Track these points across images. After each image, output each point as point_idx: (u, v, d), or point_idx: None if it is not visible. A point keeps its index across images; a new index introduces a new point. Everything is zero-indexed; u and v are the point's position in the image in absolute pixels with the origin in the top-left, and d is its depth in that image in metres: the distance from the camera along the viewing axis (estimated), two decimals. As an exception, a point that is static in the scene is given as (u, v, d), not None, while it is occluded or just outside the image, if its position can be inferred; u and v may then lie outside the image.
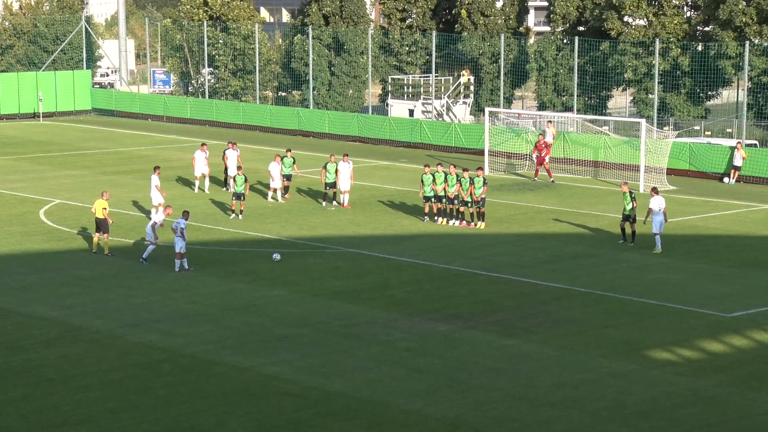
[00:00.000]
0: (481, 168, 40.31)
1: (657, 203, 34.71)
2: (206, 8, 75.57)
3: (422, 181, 39.00)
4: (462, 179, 38.00)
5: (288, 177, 43.39)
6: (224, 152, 45.07)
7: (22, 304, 28.81)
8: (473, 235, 37.21)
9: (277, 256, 33.40)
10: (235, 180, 40.25)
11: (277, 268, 32.69)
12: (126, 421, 20.76)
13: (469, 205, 38.09)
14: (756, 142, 53.35)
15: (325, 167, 41.76)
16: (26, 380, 23.02)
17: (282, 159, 43.07)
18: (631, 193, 35.20)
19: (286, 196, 43.18)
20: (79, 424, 20.68)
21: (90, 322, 27.22)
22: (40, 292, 30.05)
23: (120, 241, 36.30)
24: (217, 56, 74.30)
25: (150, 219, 34.81)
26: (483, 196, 37.96)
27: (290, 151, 44.48)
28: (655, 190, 35.68)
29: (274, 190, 42.92)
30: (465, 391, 22.40)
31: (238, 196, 39.45)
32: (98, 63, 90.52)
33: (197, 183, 45.21)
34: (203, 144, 45.86)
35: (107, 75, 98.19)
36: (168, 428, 20.45)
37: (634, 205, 35.14)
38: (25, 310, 28.23)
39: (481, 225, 38.01)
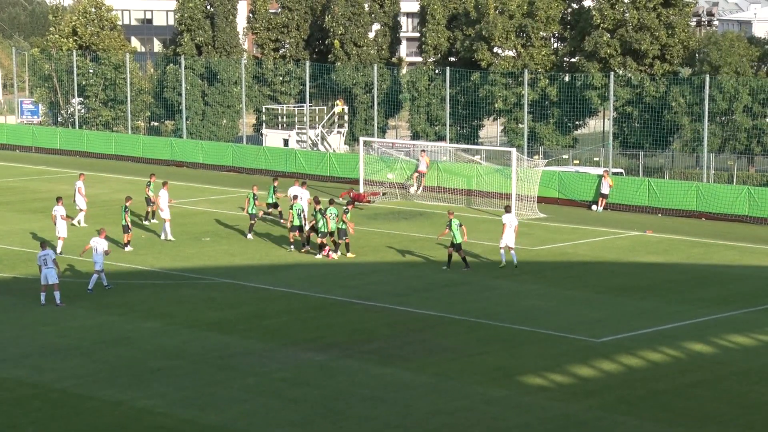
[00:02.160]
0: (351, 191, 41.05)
1: (508, 220, 36.84)
2: (75, 38, 74.33)
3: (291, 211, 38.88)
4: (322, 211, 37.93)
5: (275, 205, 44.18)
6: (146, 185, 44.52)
7: None
8: (349, 264, 37.26)
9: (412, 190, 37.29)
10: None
11: (150, 300, 32.20)
12: (-6, 460, 20.15)
13: (329, 235, 37.94)
14: (622, 170, 54.71)
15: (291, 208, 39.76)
16: None
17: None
18: (459, 221, 36.08)
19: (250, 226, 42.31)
20: (-56, 464, 19.99)
21: (-45, 358, 26.36)
22: None
23: (-13, 274, 35.31)
24: (87, 86, 73.11)
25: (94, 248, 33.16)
26: (339, 227, 37.86)
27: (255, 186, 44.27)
28: (507, 208, 38.27)
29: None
30: (342, 420, 22.36)
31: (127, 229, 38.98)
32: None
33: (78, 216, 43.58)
34: (81, 174, 45.07)
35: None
36: (38, 466, 19.91)
37: (463, 231, 36.10)
38: None
39: (350, 255, 38.00)
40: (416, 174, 52.00)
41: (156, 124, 74.76)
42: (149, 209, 44.21)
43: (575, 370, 25.81)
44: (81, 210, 43.62)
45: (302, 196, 41.49)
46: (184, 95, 68.30)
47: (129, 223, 39.03)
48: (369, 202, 48.37)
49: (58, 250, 37.35)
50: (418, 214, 47.74)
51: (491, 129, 71.88)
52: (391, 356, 26.74)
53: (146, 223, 43.82)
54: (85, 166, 62.37)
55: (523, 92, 57.72)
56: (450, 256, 36.28)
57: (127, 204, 39.35)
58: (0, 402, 23.32)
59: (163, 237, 40.70)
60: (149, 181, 44.39)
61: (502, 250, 36.62)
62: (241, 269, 36.30)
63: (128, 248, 38.85)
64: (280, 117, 67.92)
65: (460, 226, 36.14)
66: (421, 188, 51.15)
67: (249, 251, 38.94)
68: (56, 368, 25.55)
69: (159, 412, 22.71)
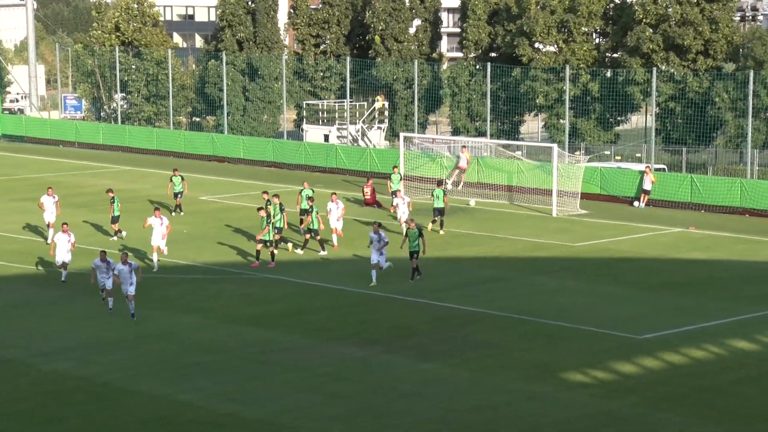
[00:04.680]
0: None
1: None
2: (118, 34, 74.86)
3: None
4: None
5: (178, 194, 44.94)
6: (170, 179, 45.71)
7: (-70, 333, 28.12)
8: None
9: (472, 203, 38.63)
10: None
11: (189, 295, 32.39)
12: (38, 451, 20.36)
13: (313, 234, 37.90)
14: (664, 166, 54.35)
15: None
16: (-66, 412, 22.45)
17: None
18: (419, 228, 33.89)
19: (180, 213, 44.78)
20: (-11, 455, 20.24)
21: (3, 351, 26.66)
22: (-52, 321, 29.38)
23: (31, 268, 35.68)
24: (129, 82, 73.62)
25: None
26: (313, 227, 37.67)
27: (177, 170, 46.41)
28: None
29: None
30: (382, 415, 22.38)
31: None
32: (7, 89, 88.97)
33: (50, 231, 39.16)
34: (49, 188, 40.60)
35: (17, 101, 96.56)
36: (81, 458, 20.10)
37: (422, 241, 33.64)
38: (-67, 340, 27.57)
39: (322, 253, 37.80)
40: (457, 170, 51.93)
41: (197, 119, 75.15)
42: (177, 201, 45.07)
43: (617, 366, 25.68)
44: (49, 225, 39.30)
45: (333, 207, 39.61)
46: (225, 91, 68.59)
47: (114, 216, 39.81)
48: (377, 206, 47.63)
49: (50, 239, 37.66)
50: (458, 209, 47.66)
51: (532, 125, 71.62)
52: (431, 352, 26.74)
53: (173, 214, 44.34)
54: (127, 161, 62.86)
55: (564, 88, 57.46)
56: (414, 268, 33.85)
57: (110, 195, 40.35)
58: (45, 394, 23.57)
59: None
60: (172, 176, 45.53)
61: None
62: (279, 265, 36.39)
63: (114, 237, 39.80)
64: (320, 112, 68.02)
65: (421, 235, 33.69)
66: (461, 184, 51.04)
67: (314, 248, 39.00)
68: (100, 362, 25.77)
69: (200, 406, 22.84)
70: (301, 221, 41.04)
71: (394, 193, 45.36)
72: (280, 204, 37.85)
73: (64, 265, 32.98)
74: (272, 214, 36.99)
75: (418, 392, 23.77)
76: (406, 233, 34.11)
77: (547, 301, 31.88)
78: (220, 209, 45.86)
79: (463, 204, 46.45)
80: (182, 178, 45.50)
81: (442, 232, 41.54)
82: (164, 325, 29.03)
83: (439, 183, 43.81)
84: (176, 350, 26.79)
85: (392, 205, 40.75)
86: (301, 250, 38.17)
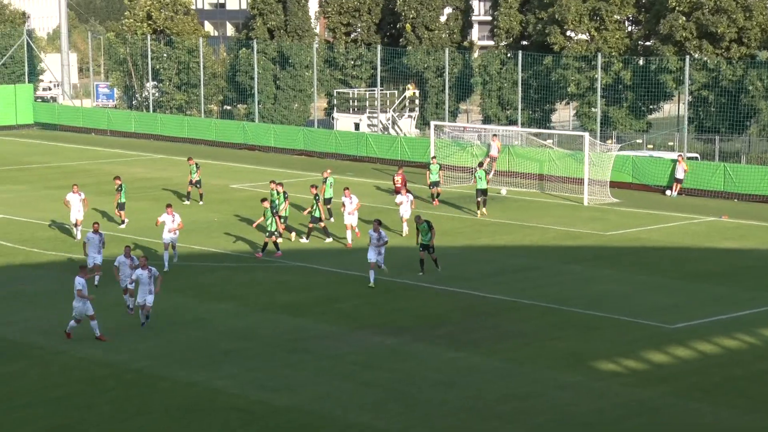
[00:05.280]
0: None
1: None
2: (150, 22, 75.07)
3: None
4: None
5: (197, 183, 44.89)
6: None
7: (-36, 320, 28.33)
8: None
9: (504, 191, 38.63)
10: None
11: (223, 283, 32.48)
12: (70, 438, 20.47)
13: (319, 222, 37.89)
14: (697, 155, 53.96)
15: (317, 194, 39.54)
16: (-32, 398, 22.63)
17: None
18: (427, 222, 33.23)
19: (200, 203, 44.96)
20: (23, 441, 20.36)
21: (32, 338, 26.83)
22: (-18, 308, 29.57)
23: (63, 255, 35.87)
24: (161, 70, 73.83)
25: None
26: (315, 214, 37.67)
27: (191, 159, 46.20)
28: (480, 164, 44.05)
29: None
30: (413, 404, 22.36)
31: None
32: (40, 77, 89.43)
33: (75, 230, 38.38)
34: (74, 185, 39.25)
35: (50, 89, 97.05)
36: (113, 445, 20.19)
37: (432, 234, 33.03)
38: (-33, 326, 27.77)
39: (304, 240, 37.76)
40: (488, 159, 51.77)
41: (228, 107, 75.30)
42: (199, 191, 45.21)
43: (649, 356, 25.53)
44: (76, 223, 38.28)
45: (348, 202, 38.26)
46: (256, 79, 68.66)
47: (120, 203, 39.89)
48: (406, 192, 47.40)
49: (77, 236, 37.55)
50: (489, 199, 47.47)
51: (563, 113, 71.30)
52: (462, 341, 26.68)
53: (188, 203, 44.67)
54: (159, 149, 63.08)
55: (596, 76, 57.13)
56: (422, 261, 33.16)
57: (117, 182, 40.20)
58: (76, 381, 23.69)
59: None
60: (191, 165, 45.31)
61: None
62: (312, 252, 36.42)
63: (122, 225, 40.00)
64: (351, 101, 67.99)
65: (431, 228, 32.94)
66: (492, 173, 50.87)
67: (320, 235, 39.01)
68: (131, 349, 25.87)
69: (232, 393, 22.90)
70: (329, 212, 41.08)
71: (435, 184, 45.14)
72: (285, 193, 37.71)
73: (97, 267, 31.15)
74: (277, 203, 36.90)
75: (449, 381, 23.72)
76: (417, 228, 33.39)
77: (579, 290, 31.74)
78: (251, 197, 45.92)
79: (494, 193, 46.32)
80: (197, 166, 45.14)
81: (484, 211, 42.67)
82: (197, 313, 29.10)
83: (480, 164, 45.38)
84: (208, 337, 26.85)
85: (397, 203, 39.13)
86: (306, 238, 38.01)
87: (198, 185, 45.24)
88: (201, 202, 45.18)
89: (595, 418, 21.62)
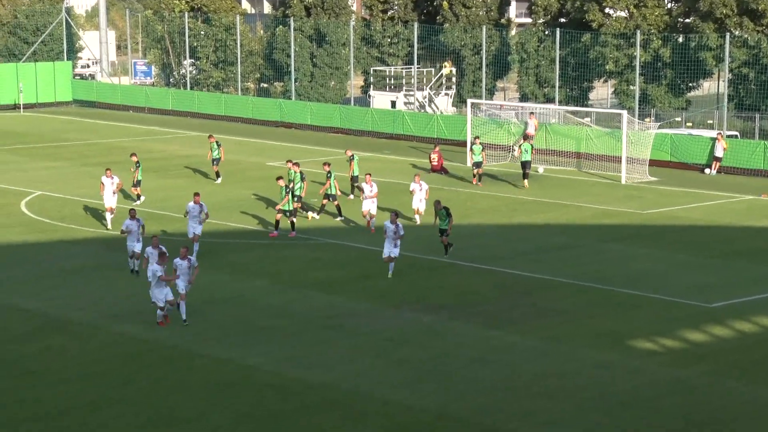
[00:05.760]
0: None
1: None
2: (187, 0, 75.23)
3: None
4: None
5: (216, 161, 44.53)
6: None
7: (3, 296, 28.56)
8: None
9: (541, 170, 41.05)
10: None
11: (259, 260, 32.55)
12: (108, 412, 20.60)
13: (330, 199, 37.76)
14: (737, 133, 53.41)
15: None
16: (7, 372, 22.81)
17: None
18: (446, 209, 32.41)
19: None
20: (62, 416, 20.51)
21: (72, 313, 27.02)
22: (21, 284, 29.81)
23: (101, 232, 36.07)
24: (198, 47, 73.94)
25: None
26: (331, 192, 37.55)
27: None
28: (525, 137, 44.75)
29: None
30: (448, 381, 22.31)
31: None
32: (79, 54, 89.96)
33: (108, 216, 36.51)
34: (108, 169, 37.52)
35: (88, 66, 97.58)
36: (150, 420, 20.30)
37: (450, 221, 32.32)
38: (6, 302, 28.00)
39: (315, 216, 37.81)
40: (525, 137, 51.46)
41: (265, 85, 75.37)
42: (215, 168, 44.96)
43: (687, 335, 25.34)
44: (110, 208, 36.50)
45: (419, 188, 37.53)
46: (293, 57, 68.65)
47: (136, 180, 39.83)
48: (444, 172, 47.36)
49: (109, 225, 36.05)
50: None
51: (602, 91, 70.81)
52: (498, 319, 26.59)
53: (219, 181, 44.73)
54: (196, 126, 63.25)
55: (635, 53, 56.64)
56: (446, 245, 32.52)
57: (134, 159, 40.19)
58: (115, 356, 23.83)
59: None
60: (211, 142, 45.15)
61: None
62: (346, 230, 36.41)
63: (138, 201, 39.73)
64: (387, 79, 67.83)
65: (449, 215, 32.28)
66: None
67: (355, 212, 38.98)
68: (169, 325, 25.97)
69: (267, 370, 22.94)
70: (353, 188, 40.99)
71: (477, 165, 44.67)
72: (301, 172, 37.28)
73: (135, 254, 30.29)
74: (294, 182, 36.47)
75: (485, 359, 23.65)
76: (436, 213, 32.76)
77: (617, 268, 31.54)
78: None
79: (531, 171, 46.06)
80: (218, 144, 44.93)
81: (526, 184, 44.02)
82: (233, 290, 29.18)
83: (525, 137, 47.36)
84: (244, 315, 26.92)
85: (410, 191, 37.33)
86: (318, 214, 37.92)
87: (215, 163, 44.86)
88: (218, 180, 44.91)
89: (632, 396, 21.49)
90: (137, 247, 30.39)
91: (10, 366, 23.21)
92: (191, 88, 72.97)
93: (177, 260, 26.39)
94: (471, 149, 46.18)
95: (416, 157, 51.90)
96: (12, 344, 24.68)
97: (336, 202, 37.93)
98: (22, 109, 71.66)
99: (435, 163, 47.56)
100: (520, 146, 46.11)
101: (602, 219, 38.43)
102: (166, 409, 20.80)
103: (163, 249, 27.31)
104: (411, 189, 37.10)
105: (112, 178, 36.40)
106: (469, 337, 25.15)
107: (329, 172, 38.06)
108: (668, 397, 21.49)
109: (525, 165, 44.44)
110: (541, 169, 48.25)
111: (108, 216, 36.14)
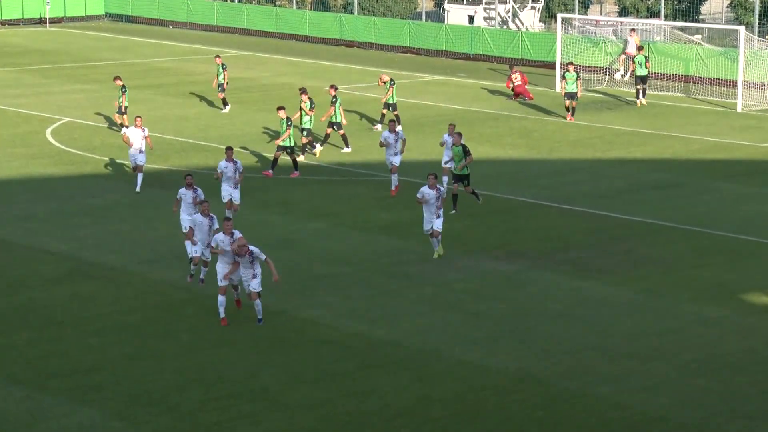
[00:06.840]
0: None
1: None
2: None
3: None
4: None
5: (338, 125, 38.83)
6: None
7: (27, 236, 29.07)
8: (542, 161, 37.00)
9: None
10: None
11: (315, 198, 32.72)
12: (144, 369, 20.95)
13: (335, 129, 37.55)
14: None
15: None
16: (32, 322, 23.26)
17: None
18: (463, 146, 30.72)
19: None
20: (92, 372, 20.88)
21: (104, 257, 27.42)
22: (47, 222, 30.30)
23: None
24: (248, -47, 73.93)
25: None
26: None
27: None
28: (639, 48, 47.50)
29: None
30: (530, 339, 22.39)
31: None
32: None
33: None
34: (138, 117, 34.39)
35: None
36: (192, 378, 20.59)
37: (467, 160, 30.55)
38: (31, 243, 28.49)
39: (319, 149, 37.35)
40: (623, 56, 51.02)
41: (324, -2, 75.25)
42: (220, 96, 44.67)
43: (809, 289, 25.17)
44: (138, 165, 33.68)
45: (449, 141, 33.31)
46: (355, -36, 68.39)
47: (123, 107, 39.44)
48: (527, 96, 47.02)
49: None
50: (623, 103, 46.89)
51: (715, 3, 69.72)
52: (589, 268, 26.57)
53: (226, 110, 44.55)
54: (245, 45, 63.42)
55: (755, -41, 55.63)
56: (455, 196, 30.86)
57: (118, 83, 39.86)
58: (153, 306, 24.18)
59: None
60: (218, 64, 44.61)
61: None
62: (417, 165, 36.37)
63: (123, 132, 36.88)
64: (465, -10, 67.36)
65: (468, 153, 30.46)
66: (629, 74, 50.16)
67: (427, 145, 38.96)
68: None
69: (324, 323, 23.15)
70: (382, 117, 41.03)
71: (570, 96, 43.09)
72: (311, 100, 36.54)
73: (234, 206, 29.18)
74: (306, 109, 35.88)
75: (572, 314, 23.68)
76: (450, 149, 31.21)
77: (728, 210, 31.34)
78: (349, 101, 45.98)
79: (625, 98, 45.63)
80: (224, 66, 44.26)
81: (644, 101, 46.33)
82: (285, 233, 29.40)
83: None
84: (299, 261, 27.14)
85: (441, 143, 33.08)
86: (321, 145, 37.66)
87: (221, 88, 44.39)
88: (224, 109, 44.62)
89: (745, 358, 21.41)
90: (236, 195, 28.96)
91: (34, 315, 23.66)
92: (239, 1, 73.10)
93: (182, 190, 26.27)
94: (563, 77, 44.68)
95: (496, 81, 51.65)
96: (36, 291, 25.14)
97: (341, 132, 37.74)
98: (48, 24, 72.35)
99: (518, 85, 47.19)
100: (633, 59, 47.55)
101: (713, 153, 38.09)
102: (209, 367, 21.08)
103: (200, 192, 26.32)
104: (441, 141, 33.15)
105: (143, 129, 33.37)
106: (554, 289, 25.17)
107: (335, 96, 37.67)
108: (786, 361, 21.41)
109: (642, 80, 46.56)
110: (618, 75, 50.04)
111: (139, 177, 33.18)
